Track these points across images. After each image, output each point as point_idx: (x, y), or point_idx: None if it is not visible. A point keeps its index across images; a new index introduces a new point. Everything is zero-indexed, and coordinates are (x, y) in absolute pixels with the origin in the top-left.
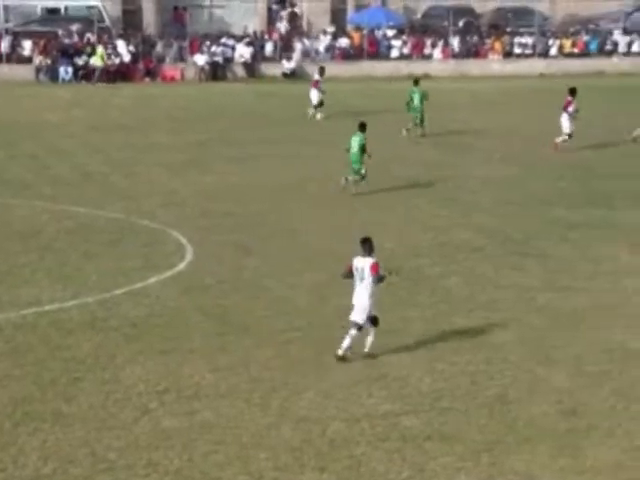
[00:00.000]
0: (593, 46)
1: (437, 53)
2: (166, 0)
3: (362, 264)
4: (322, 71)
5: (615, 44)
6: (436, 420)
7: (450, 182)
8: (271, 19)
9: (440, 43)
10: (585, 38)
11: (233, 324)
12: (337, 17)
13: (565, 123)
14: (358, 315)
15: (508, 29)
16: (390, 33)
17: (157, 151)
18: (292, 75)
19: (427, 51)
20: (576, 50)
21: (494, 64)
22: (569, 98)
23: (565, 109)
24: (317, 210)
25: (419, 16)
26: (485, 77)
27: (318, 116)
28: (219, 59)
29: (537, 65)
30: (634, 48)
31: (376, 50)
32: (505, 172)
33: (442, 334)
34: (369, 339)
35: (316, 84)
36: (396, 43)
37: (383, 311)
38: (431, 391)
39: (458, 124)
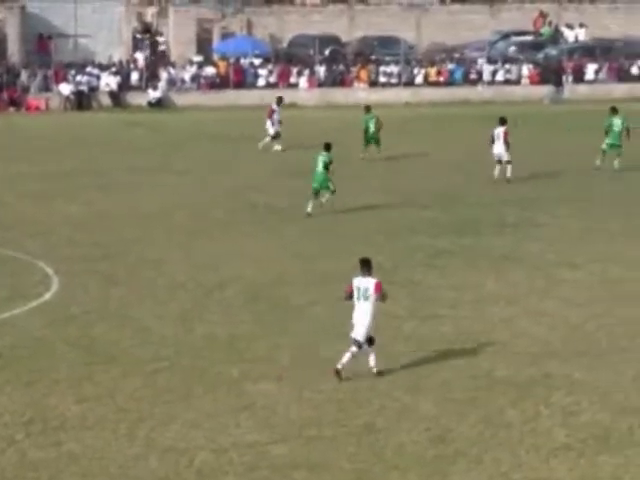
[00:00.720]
0: (458, 75)
1: (303, 82)
2: (30, 29)
3: (365, 284)
4: (280, 100)
5: (480, 73)
6: (304, 449)
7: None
8: (136, 48)
9: (306, 72)
10: (450, 67)
11: (99, 354)
12: (203, 46)
13: (504, 152)
14: (359, 333)
15: (374, 58)
16: (256, 62)
17: (22, 181)
18: (158, 104)
19: (293, 80)
20: (441, 79)
21: (360, 92)
22: (502, 128)
23: (505, 140)
24: (182, 239)
25: (285, 45)
26: (351, 106)
27: (275, 147)
28: (84, 88)
29: (402, 94)
30: (498, 77)
31: (242, 79)
32: (375, 201)
33: (309, 362)
34: (372, 358)
35: (271, 114)
36: (262, 72)
37: (251, 340)
38: (299, 419)
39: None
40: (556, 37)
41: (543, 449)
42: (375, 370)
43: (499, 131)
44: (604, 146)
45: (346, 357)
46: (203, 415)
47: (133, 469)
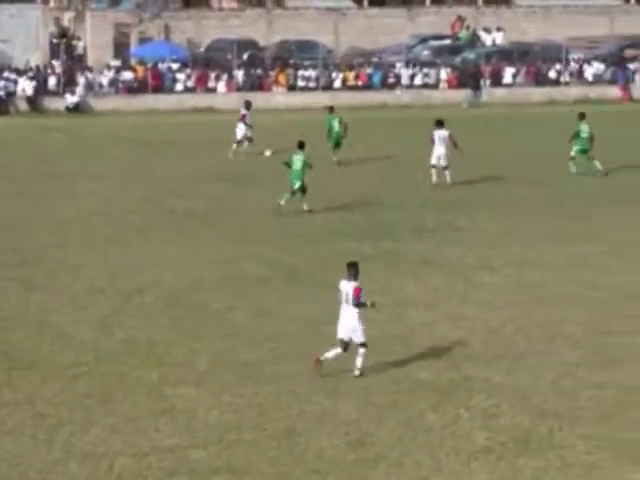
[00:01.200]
0: (376, 79)
1: (221, 86)
2: None
3: (347, 288)
4: (248, 105)
5: (398, 77)
6: (224, 453)
7: (235, 215)
8: (53, 53)
9: (224, 76)
10: (368, 71)
11: (18, 360)
12: (120, 51)
13: (444, 156)
14: (344, 333)
15: (292, 62)
16: (174, 66)
17: None
18: (76, 109)
19: (211, 84)
20: (360, 83)
21: (279, 97)
22: (446, 131)
23: (452, 142)
24: (101, 244)
25: (203, 49)
26: (270, 110)
27: (266, 153)
28: (1, 93)
29: (321, 98)
30: (416, 81)
31: (160, 84)
32: (295, 205)
33: (229, 367)
34: (359, 360)
35: (243, 118)
36: (180, 76)
37: (169, 344)
38: (219, 424)
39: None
40: (474, 41)
41: (463, 452)
42: (357, 372)
43: (442, 134)
44: (573, 153)
45: (331, 353)
46: (122, 420)
47: (52, 474)
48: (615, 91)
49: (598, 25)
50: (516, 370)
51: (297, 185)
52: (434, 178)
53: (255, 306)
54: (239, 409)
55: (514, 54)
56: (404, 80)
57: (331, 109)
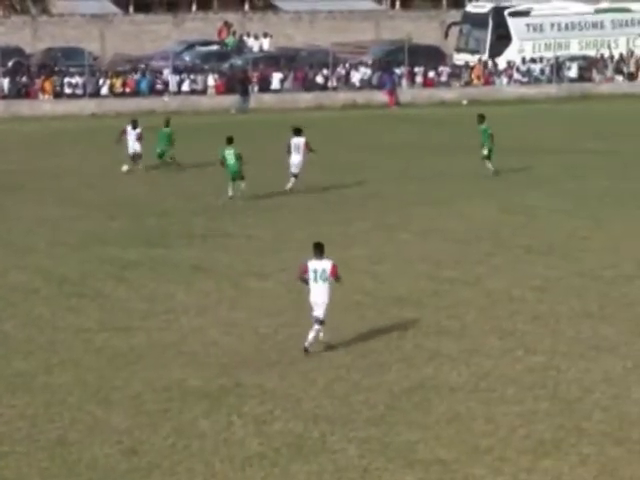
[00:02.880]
0: (144, 85)
1: None
2: None
3: (322, 266)
4: (135, 124)
5: (166, 83)
6: None
7: (1, 224)
8: None
9: None
10: (136, 77)
11: None
12: None
13: (300, 163)
14: (320, 311)
15: (58, 69)
16: None
17: None
18: None
19: None
20: (127, 89)
21: (45, 104)
22: (302, 139)
23: (308, 150)
24: None
25: None
26: (36, 118)
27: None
28: None
29: (88, 105)
30: (184, 87)
31: None
32: (59, 212)
33: (0, 377)
34: (318, 334)
35: (123, 133)
36: None
37: None
38: None
39: (9, 165)
40: (241, 47)
41: (237, 458)
42: (307, 345)
43: (298, 142)
44: (484, 152)
45: (311, 335)
46: None
47: None
48: (381, 96)
49: (364, 30)
50: (289, 375)
51: (236, 174)
52: (289, 185)
53: (25, 316)
54: (10, 420)
55: (281, 60)
56: (172, 86)
57: (167, 123)
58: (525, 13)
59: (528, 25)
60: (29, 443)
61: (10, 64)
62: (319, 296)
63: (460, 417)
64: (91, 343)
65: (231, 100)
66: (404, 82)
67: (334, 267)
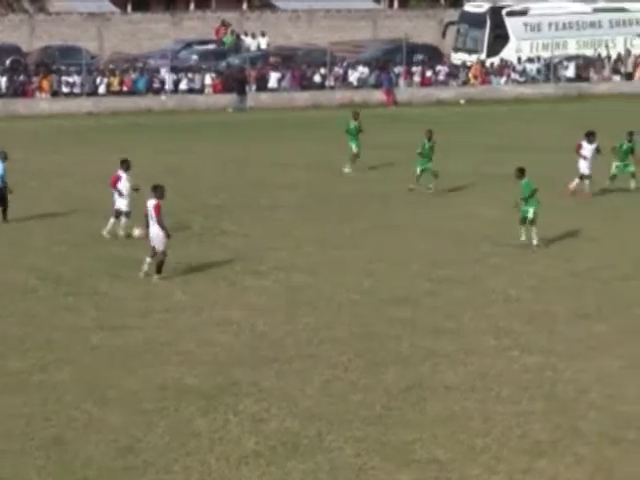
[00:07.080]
0: (141, 84)
1: None
2: None
3: (150, 205)
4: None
5: (163, 82)
6: None
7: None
8: None
9: None
10: (133, 76)
11: None
12: None
13: None
14: (156, 243)
15: (55, 68)
16: None
17: None
18: None
19: None
20: (125, 88)
21: (42, 103)
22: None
23: None
24: None
25: None
26: (33, 116)
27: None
28: None
29: (85, 104)
30: (182, 86)
31: None
32: (55, 211)
33: None
34: (146, 266)
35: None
36: None
37: None
38: None
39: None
40: (238, 46)
41: (233, 457)
42: (142, 275)
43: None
44: (530, 215)
45: (145, 266)
46: None
47: None
48: (379, 95)
49: (362, 29)
50: (285, 374)
51: None
52: None
53: (22, 315)
54: (7, 418)
55: (279, 58)
56: (169, 85)
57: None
58: (523, 13)
59: (526, 24)
60: (25, 441)
61: (7, 62)
62: (151, 231)
63: (456, 417)
64: (87, 342)
65: (228, 99)
66: (402, 81)
67: (156, 205)
